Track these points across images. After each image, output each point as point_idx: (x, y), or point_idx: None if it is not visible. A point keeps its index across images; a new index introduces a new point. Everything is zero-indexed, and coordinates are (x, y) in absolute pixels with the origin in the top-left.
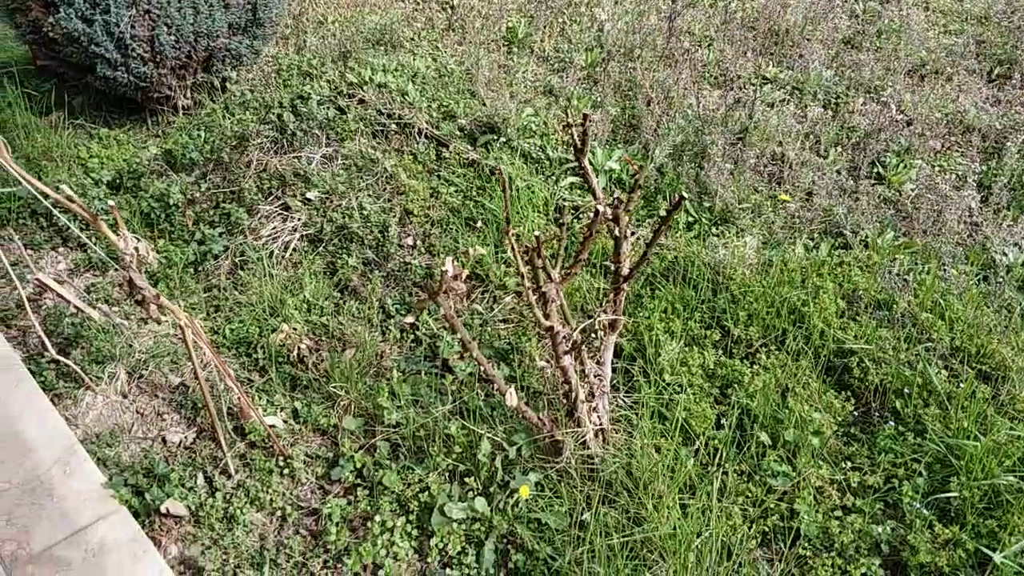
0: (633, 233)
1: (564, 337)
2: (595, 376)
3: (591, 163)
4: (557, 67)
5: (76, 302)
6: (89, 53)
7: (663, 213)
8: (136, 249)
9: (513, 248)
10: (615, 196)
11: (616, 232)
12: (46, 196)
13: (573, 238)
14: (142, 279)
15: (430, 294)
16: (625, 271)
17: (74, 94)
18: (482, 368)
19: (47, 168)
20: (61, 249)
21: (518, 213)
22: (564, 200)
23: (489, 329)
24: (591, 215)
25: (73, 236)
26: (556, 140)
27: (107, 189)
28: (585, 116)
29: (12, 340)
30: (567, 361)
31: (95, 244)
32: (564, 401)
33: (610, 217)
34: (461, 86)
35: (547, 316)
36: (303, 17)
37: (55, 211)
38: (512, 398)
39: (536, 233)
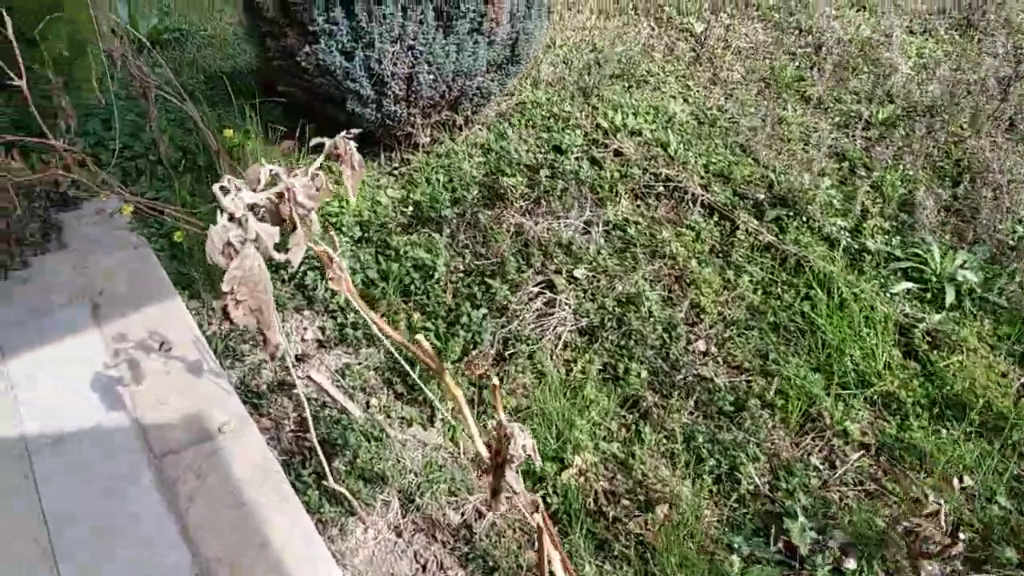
0: None
1: None
2: None
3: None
4: (839, 120)
5: (342, 399)
6: (342, 87)
7: None
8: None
9: None
10: None
11: None
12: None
13: (941, 381)
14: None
15: None
16: None
17: (306, 121)
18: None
19: None
20: (307, 312)
21: (849, 329)
22: (905, 315)
23: (832, 494)
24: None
25: (320, 299)
26: (872, 226)
27: (353, 243)
28: None
29: (265, 432)
30: None
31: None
32: None
33: None
34: (727, 138)
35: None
36: None
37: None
38: None
39: None
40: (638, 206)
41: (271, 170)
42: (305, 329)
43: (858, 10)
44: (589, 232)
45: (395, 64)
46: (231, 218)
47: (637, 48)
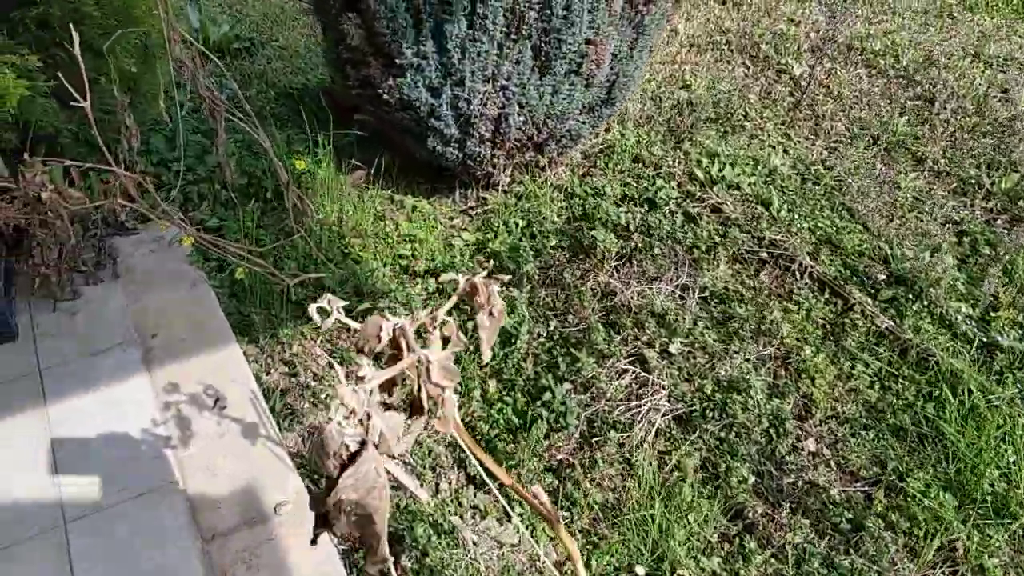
0: None
1: None
2: None
3: None
4: (955, 187)
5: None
6: (425, 124)
7: None
8: None
9: None
10: None
11: None
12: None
13: None
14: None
15: None
16: None
17: (381, 151)
18: None
19: (355, 248)
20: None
21: (983, 442)
22: None
23: None
24: None
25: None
26: (1004, 319)
27: (426, 292)
28: None
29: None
30: None
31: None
32: None
33: None
34: (834, 200)
35: None
36: None
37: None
38: None
39: None
40: (738, 272)
41: (396, 325)
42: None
43: (972, 61)
44: (684, 298)
45: (484, 104)
46: (348, 412)
47: (732, 89)
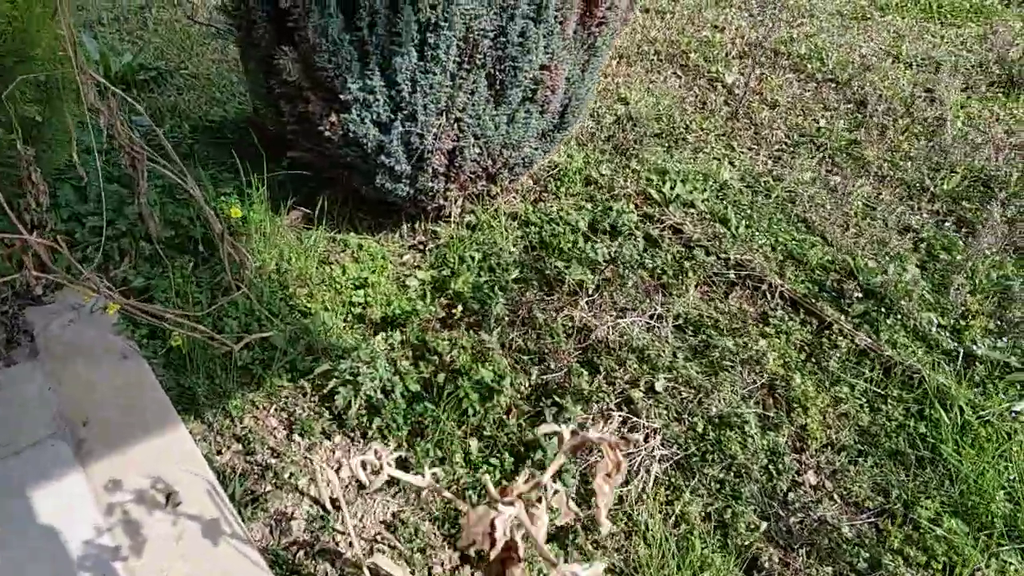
0: None
1: None
2: None
3: None
4: (900, 191)
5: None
6: (372, 161)
7: None
8: None
9: None
10: None
11: None
12: None
13: None
14: None
15: None
16: None
17: (317, 186)
18: None
19: (301, 299)
20: (338, 439)
21: (983, 461)
22: None
23: None
24: None
25: (354, 422)
26: (977, 327)
27: (389, 346)
28: None
29: None
30: None
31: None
32: None
33: None
34: (787, 211)
35: None
36: None
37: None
38: None
39: None
40: (708, 296)
41: (509, 518)
42: (339, 464)
43: (893, 62)
44: (657, 328)
45: (438, 138)
46: None
47: (670, 102)
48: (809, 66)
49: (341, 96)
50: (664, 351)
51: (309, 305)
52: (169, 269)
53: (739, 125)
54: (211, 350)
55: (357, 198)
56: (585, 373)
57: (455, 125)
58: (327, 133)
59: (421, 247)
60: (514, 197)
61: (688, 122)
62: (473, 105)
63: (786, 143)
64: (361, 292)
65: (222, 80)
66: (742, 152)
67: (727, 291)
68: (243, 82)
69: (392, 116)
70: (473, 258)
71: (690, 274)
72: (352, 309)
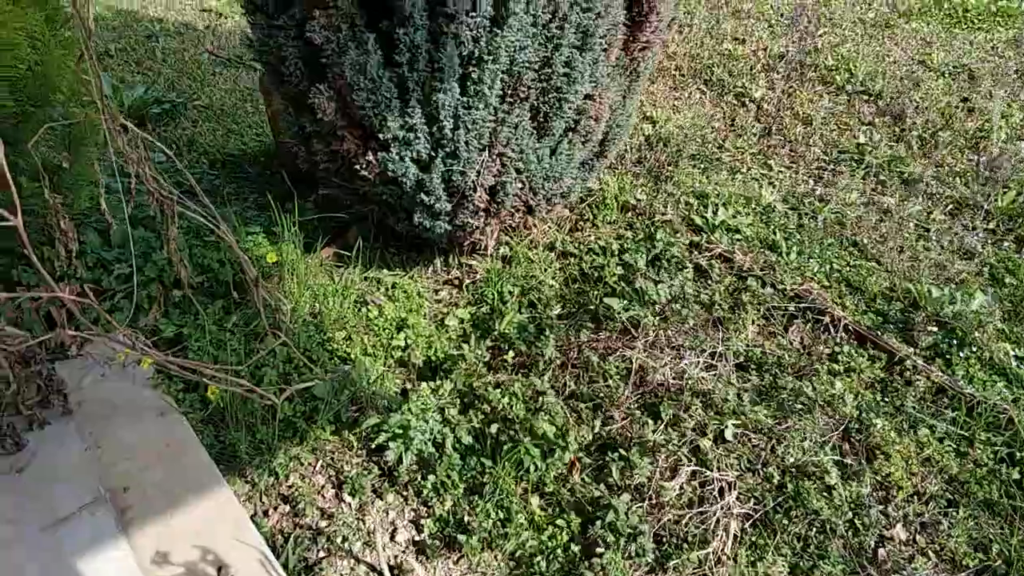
0: None
1: None
2: None
3: None
4: (951, 208)
5: None
6: (411, 199)
7: None
8: None
9: None
10: None
11: None
12: None
13: None
14: None
15: None
16: None
17: (349, 220)
18: None
19: (340, 343)
20: (391, 498)
21: None
22: None
23: None
24: None
25: (406, 478)
26: None
27: (434, 393)
28: None
29: None
30: None
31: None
32: None
33: None
34: (838, 234)
35: None
36: None
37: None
38: None
39: None
40: (768, 331)
41: None
42: (393, 526)
43: (924, 71)
44: (715, 367)
45: (479, 174)
46: None
47: (698, 120)
48: (838, 78)
49: (380, 135)
50: (728, 394)
51: (349, 350)
52: (201, 316)
53: (773, 142)
54: (251, 403)
55: (388, 232)
56: (649, 421)
57: (497, 160)
58: (363, 172)
59: (457, 282)
60: (549, 226)
61: (720, 141)
62: (516, 139)
63: (825, 160)
64: (401, 336)
65: (237, 110)
66: (780, 171)
67: (786, 324)
68: (258, 112)
69: (433, 153)
70: (512, 292)
71: (748, 308)
72: (392, 353)
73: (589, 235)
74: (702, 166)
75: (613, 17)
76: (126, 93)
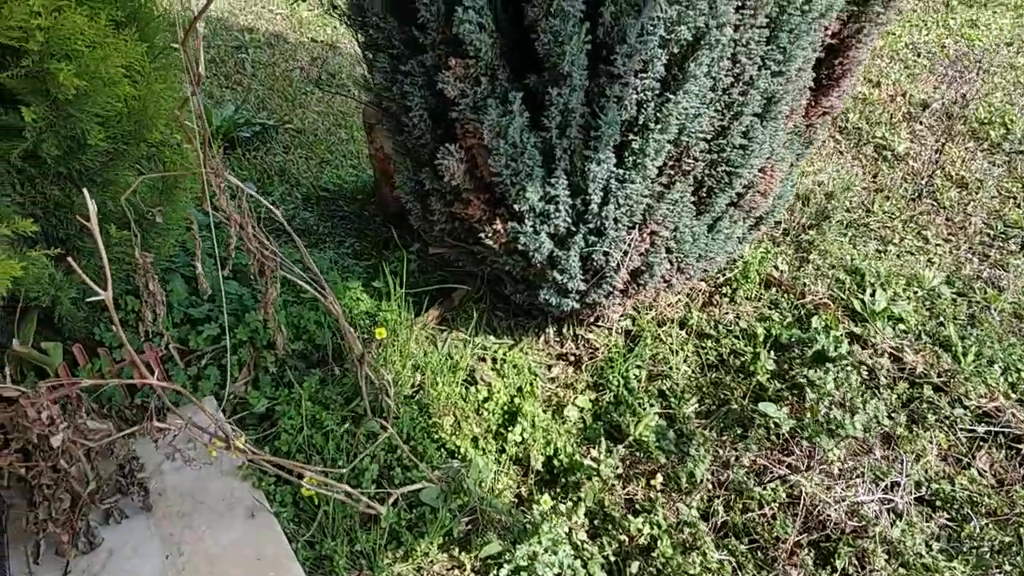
0: None
1: None
2: None
3: None
4: None
5: None
6: (539, 274)
7: None
8: None
9: None
10: None
11: None
12: None
13: None
14: None
15: None
16: None
17: (456, 280)
18: None
19: (447, 432)
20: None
21: None
22: None
23: None
24: None
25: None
26: None
27: (572, 513)
28: None
29: None
30: None
31: None
32: None
33: None
34: (1020, 331)
35: None
36: None
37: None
38: None
39: None
40: (952, 456)
41: None
42: None
43: None
44: (892, 500)
45: (626, 254)
46: None
47: (837, 178)
48: (992, 133)
49: (515, 205)
50: (914, 539)
51: (458, 442)
52: (295, 387)
53: (925, 208)
54: (348, 506)
55: (496, 294)
56: (823, 574)
57: (648, 239)
58: (487, 240)
59: (573, 358)
60: (679, 298)
61: (866, 203)
62: (673, 216)
63: (989, 234)
64: (518, 430)
65: (330, 136)
66: (939, 244)
67: (970, 447)
68: (353, 140)
69: (573, 228)
70: (638, 378)
71: (927, 425)
72: (508, 449)
73: (727, 312)
74: (848, 233)
75: (804, 81)
76: (216, 112)
